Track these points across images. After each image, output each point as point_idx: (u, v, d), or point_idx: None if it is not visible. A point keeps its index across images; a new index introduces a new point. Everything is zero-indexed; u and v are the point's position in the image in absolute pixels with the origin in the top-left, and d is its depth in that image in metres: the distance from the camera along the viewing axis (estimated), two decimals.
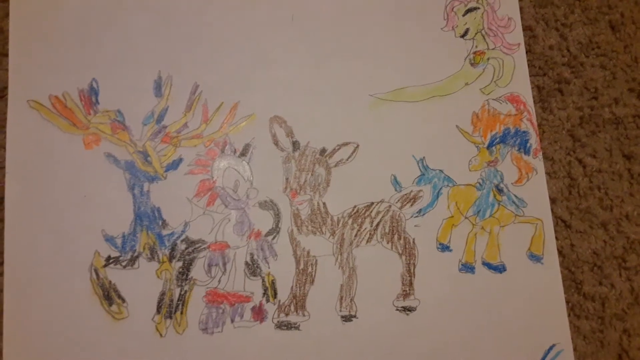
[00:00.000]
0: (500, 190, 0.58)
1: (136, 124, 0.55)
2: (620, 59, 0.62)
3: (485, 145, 0.58)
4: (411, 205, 0.57)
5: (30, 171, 0.53)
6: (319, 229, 0.55)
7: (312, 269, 0.54)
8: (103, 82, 0.55)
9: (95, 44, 0.56)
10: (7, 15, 0.56)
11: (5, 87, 0.54)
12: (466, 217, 0.57)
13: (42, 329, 0.51)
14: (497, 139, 0.58)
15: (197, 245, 0.53)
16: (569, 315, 0.56)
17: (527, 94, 0.60)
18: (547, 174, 0.59)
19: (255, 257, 0.54)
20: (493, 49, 0.60)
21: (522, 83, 0.60)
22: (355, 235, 0.55)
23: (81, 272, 0.52)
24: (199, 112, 0.56)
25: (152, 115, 0.55)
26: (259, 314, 0.53)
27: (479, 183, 0.57)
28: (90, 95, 0.55)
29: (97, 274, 0.52)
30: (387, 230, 0.56)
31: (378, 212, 0.56)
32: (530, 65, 0.61)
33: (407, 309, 0.55)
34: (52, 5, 0.56)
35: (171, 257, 0.53)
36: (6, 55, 0.55)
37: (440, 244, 0.56)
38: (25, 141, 0.54)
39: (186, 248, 0.53)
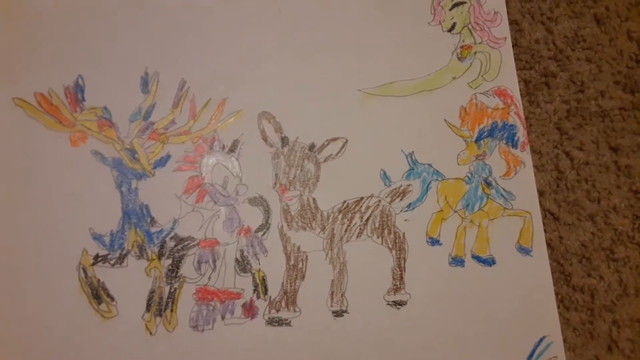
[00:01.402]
0: (488, 184, 0.58)
1: (123, 120, 0.55)
2: (606, 52, 0.63)
3: (474, 139, 0.58)
4: (401, 199, 0.57)
5: (16, 169, 0.53)
6: (309, 225, 0.55)
7: (303, 264, 0.54)
8: (89, 79, 0.55)
9: (81, 41, 0.55)
10: None
11: None
12: (455, 211, 0.57)
13: (30, 329, 0.50)
14: (485, 133, 0.58)
15: (186, 243, 0.53)
16: (558, 307, 0.57)
17: (514, 88, 0.60)
18: (535, 167, 0.59)
19: (245, 253, 0.54)
20: (480, 43, 0.60)
21: (509, 77, 0.60)
22: (346, 231, 0.55)
23: (69, 271, 0.52)
24: (186, 109, 0.56)
25: (139, 111, 0.55)
26: (249, 310, 0.53)
27: (468, 177, 0.58)
28: (76, 92, 0.54)
29: (85, 273, 0.51)
30: (377, 225, 0.56)
31: (368, 207, 0.56)
32: (517, 59, 0.61)
33: (398, 303, 0.55)
34: (37, 2, 0.56)
35: (160, 255, 0.53)
36: None
37: (430, 237, 0.56)
38: (11, 139, 0.53)
39: (175, 245, 0.53)
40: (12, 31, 0.55)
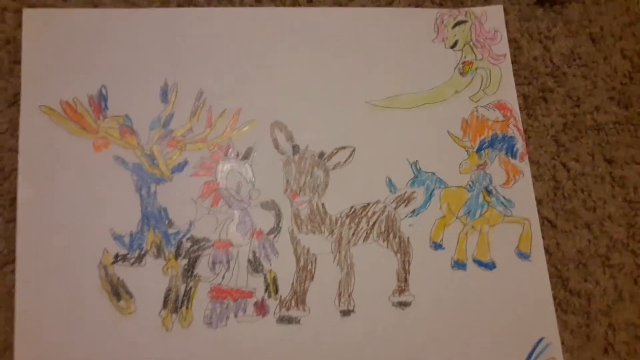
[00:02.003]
0: (489, 192, 0.61)
1: (143, 128, 0.58)
2: (601, 69, 0.66)
3: (475, 150, 0.61)
4: (405, 205, 0.59)
5: (41, 173, 0.55)
6: (318, 228, 0.58)
7: (312, 266, 0.57)
8: (111, 89, 0.58)
9: (105, 53, 0.59)
10: (19, 25, 0.58)
11: (18, 93, 0.57)
12: (457, 217, 0.60)
13: (52, 323, 0.53)
14: (486, 144, 0.61)
15: (201, 244, 0.56)
16: (556, 310, 0.59)
17: (513, 102, 0.63)
18: (533, 176, 0.62)
19: (257, 254, 0.56)
20: (481, 59, 0.64)
21: (509, 91, 0.63)
22: (353, 234, 0.58)
23: (90, 270, 0.54)
24: (203, 118, 0.59)
25: (158, 120, 0.58)
26: (261, 309, 0.55)
27: (469, 185, 0.60)
28: (100, 101, 0.57)
29: (105, 271, 0.54)
30: (382, 230, 0.59)
31: (374, 212, 0.59)
32: (516, 74, 0.64)
33: (403, 304, 0.57)
34: (63, 16, 0.59)
35: (177, 255, 0.55)
36: (19, 63, 0.58)
37: (433, 242, 0.59)
38: (37, 145, 0.56)
39: (191, 246, 0.56)
40: (41, 43, 0.58)
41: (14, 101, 0.57)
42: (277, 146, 0.59)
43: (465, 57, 0.63)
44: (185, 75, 0.59)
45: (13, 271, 0.54)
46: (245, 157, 0.58)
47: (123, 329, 0.53)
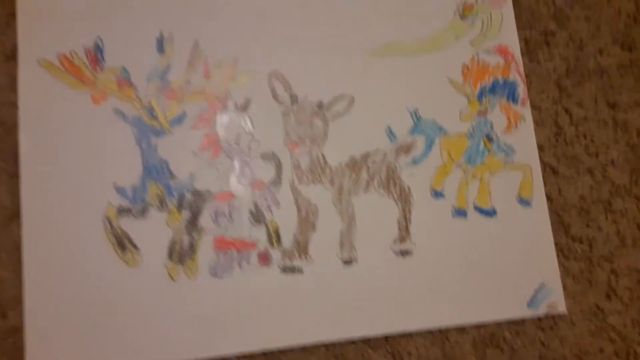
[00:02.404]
0: (490, 139, 0.60)
1: (141, 80, 0.57)
2: (604, 11, 0.65)
3: (475, 96, 0.61)
4: (406, 154, 0.59)
5: (42, 127, 0.56)
6: (319, 179, 0.58)
7: (313, 216, 0.57)
8: (108, 40, 0.57)
9: (99, 3, 0.58)
10: None
11: (15, 47, 0.57)
12: (458, 165, 0.60)
13: (60, 276, 0.54)
14: (487, 90, 0.61)
15: (203, 196, 0.56)
16: (558, 256, 0.59)
17: (514, 46, 0.62)
18: (535, 122, 0.61)
19: (258, 205, 0.57)
20: (482, 2, 0.62)
21: (510, 35, 0.62)
22: (354, 184, 0.58)
23: (95, 222, 0.55)
24: (200, 69, 0.58)
25: (155, 71, 0.57)
26: (264, 259, 0.56)
27: (470, 132, 0.60)
28: (96, 53, 0.57)
29: (110, 224, 0.55)
30: (383, 179, 0.59)
31: (374, 162, 0.59)
32: (518, 18, 0.63)
33: (404, 252, 0.58)
34: None
35: (180, 207, 0.56)
36: (14, 15, 0.57)
37: (434, 190, 0.59)
38: (36, 99, 0.56)
39: (193, 198, 0.56)
40: None
41: (12, 55, 0.57)
42: (275, 96, 0.59)
43: (465, 0, 0.62)
44: (181, 25, 0.58)
45: (19, 225, 0.54)
46: (244, 108, 0.58)
47: (129, 280, 0.54)
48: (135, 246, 0.55)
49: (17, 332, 0.53)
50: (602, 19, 0.64)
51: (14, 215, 0.55)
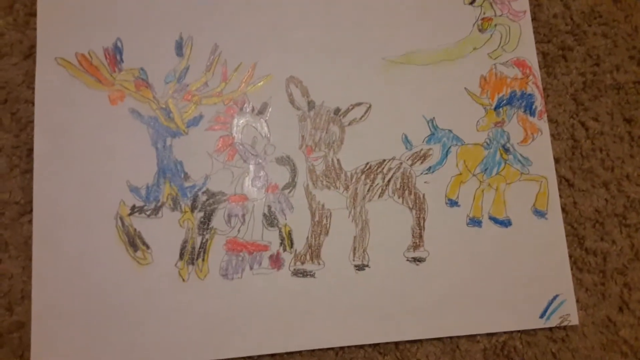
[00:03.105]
0: (506, 150, 0.60)
1: (159, 82, 0.57)
2: (621, 28, 0.65)
3: (493, 107, 0.61)
4: (421, 162, 0.59)
5: (57, 125, 0.56)
6: (333, 184, 0.58)
7: (327, 221, 0.57)
8: (127, 42, 0.58)
9: (120, 5, 0.58)
10: None
11: (34, 45, 0.57)
12: (474, 175, 0.59)
13: (69, 273, 0.53)
14: (504, 101, 0.61)
15: (217, 197, 0.56)
16: (571, 268, 0.59)
17: (532, 59, 0.62)
18: (552, 135, 0.61)
19: (272, 209, 0.56)
20: (500, 15, 0.63)
21: (528, 49, 0.62)
22: (368, 190, 0.58)
23: (107, 221, 0.54)
24: (218, 72, 0.58)
25: (174, 73, 0.57)
26: (276, 262, 0.55)
27: (487, 142, 0.60)
28: (115, 54, 0.57)
29: (122, 222, 0.54)
30: (398, 186, 0.58)
31: (390, 169, 0.59)
32: (536, 32, 0.63)
33: (417, 260, 0.57)
34: None
35: (193, 208, 0.55)
36: (34, 15, 0.57)
37: (449, 199, 0.59)
38: (53, 97, 0.56)
39: (207, 199, 0.56)
40: None
41: (30, 53, 0.57)
42: (292, 101, 0.59)
43: (484, 13, 0.62)
44: (201, 29, 0.59)
45: (30, 221, 0.54)
46: (261, 112, 0.58)
47: (140, 280, 0.54)
48: (146, 245, 0.54)
49: (23, 327, 0.53)
50: (619, 35, 0.65)
51: (26, 211, 0.55)
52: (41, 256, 0.53)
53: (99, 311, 0.53)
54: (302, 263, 0.56)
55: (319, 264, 0.56)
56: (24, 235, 0.54)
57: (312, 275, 0.56)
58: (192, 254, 0.55)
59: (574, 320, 0.57)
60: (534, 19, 0.64)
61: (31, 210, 0.54)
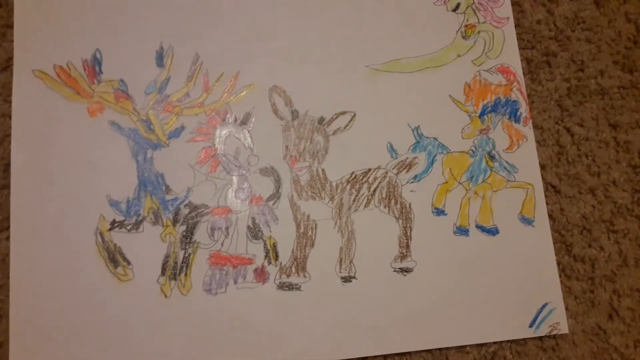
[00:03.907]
0: (492, 157, 0.60)
1: (139, 93, 0.56)
2: (605, 33, 0.65)
3: (478, 114, 0.60)
4: (407, 171, 0.58)
5: (35, 139, 0.54)
6: (318, 194, 0.57)
7: (312, 232, 0.56)
8: (106, 53, 0.57)
9: (99, 15, 0.57)
10: None
11: (11, 58, 0.56)
12: (460, 183, 0.59)
13: (48, 291, 0.52)
14: (489, 108, 0.60)
15: (200, 210, 0.55)
16: (560, 276, 0.58)
17: (516, 66, 0.62)
18: (537, 141, 0.61)
19: (256, 221, 0.55)
20: (483, 22, 0.62)
21: (512, 55, 0.62)
22: (354, 200, 0.57)
23: (87, 236, 0.53)
24: (200, 82, 0.57)
25: (154, 84, 0.56)
26: (261, 275, 0.54)
27: (472, 150, 0.59)
28: (94, 65, 0.56)
29: (102, 238, 0.53)
30: (384, 196, 0.58)
31: (375, 178, 0.58)
32: (519, 38, 0.63)
33: (404, 270, 0.56)
34: None
35: (175, 221, 0.54)
36: (11, 26, 0.56)
37: (435, 208, 0.58)
38: (31, 110, 0.55)
39: (189, 212, 0.55)
40: (32, 6, 0.56)
41: (7, 65, 0.56)
42: (275, 111, 0.58)
43: (467, 20, 0.62)
44: (182, 38, 0.58)
45: (8, 238, 0.53)
46: (244, 122, 0.57)
47: (121, 296, 0.53)
48: (127, 261, 0.53)
49: (1, 347, 0.51)
50: (603, 40, 0.64)
51: (3, 227, 0.53)
52: (19, 273, 0.52)
53: (78, 329, 0.52)
54: (288, 276, 0.55)
55: (305, 276, 0.55)
56: (1, 252, 0.53)
57: (298, 288, 0.55)
58: (175, 269, 0.53)
59: (564, 328, 0.57)
60: (517, 25, 0.63)
61: (8, 227, 0.53)
